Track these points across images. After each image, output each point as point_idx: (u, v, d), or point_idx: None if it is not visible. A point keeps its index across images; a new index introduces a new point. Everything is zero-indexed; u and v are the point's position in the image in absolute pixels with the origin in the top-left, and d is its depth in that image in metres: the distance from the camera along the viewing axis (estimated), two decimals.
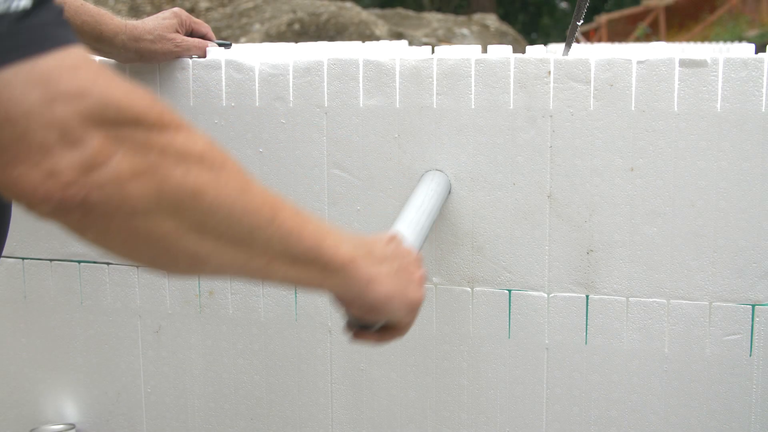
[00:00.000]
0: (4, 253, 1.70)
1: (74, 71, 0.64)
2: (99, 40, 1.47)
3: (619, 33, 16.10)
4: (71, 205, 0.63)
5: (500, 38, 10.51)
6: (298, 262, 0.79)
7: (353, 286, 0.86)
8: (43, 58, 0.63)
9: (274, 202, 0.77)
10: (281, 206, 0.77)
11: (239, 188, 0.73)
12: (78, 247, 1.63)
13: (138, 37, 1.49)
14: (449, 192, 1.43)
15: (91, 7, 1.46)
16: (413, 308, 0.95)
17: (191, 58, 1.54)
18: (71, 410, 1.68)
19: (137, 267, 1.61)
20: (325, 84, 1.47)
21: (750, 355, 1.35)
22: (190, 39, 1.54)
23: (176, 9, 1.55)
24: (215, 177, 0.70)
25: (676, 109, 1.33)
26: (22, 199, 0.63)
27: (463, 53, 1.42)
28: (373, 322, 0.95)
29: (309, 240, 0.80)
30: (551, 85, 1.37)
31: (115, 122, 0.65)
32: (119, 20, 1.48)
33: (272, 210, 0.76)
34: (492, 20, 11.57)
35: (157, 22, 1.51)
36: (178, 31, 1.53)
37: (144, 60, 1.53)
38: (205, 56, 1.54)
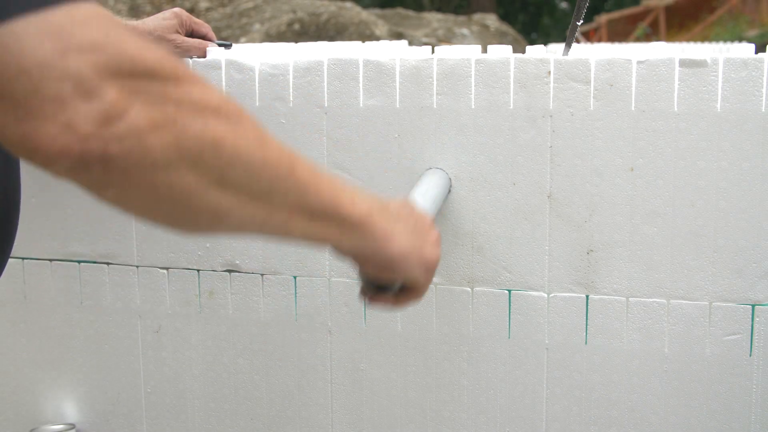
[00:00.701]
0: None
1: (87, 24, 0.63)
2: None
3: (619, 33, 16.10)
4: (91, 159, 0.62)
5: (500, 38, 10.51)
6: (316, 217, 0.78)
7: (370, 241, 0.84)
8: (55, 11, 0.62)
9: (291, 156, 0.76)
10: (298, 160, 0.77)
11: (257, 140, 0.72)
12: (78, 247, 1.64)
13: None
14: (449, 191, 1.43)
15: None
16: (430, 267, 0.94)
17: (191, 58, 1.54)
18: (71, 410, 1.68)
19: (137, 267, 1.61)
20: (325, 84, 1.47)
21: (750, 355, 1.35)
22: (190, 39, 1.54)
23: (176, 9, 1.55)
24: (233, 128, 0.70)
25: (676, 109, 1.33)
26: (37, 155, 0.62)
27: (463, 53, 1.42)
28: (389, 282, 0.92)
29: (326, 194, 0.79)
30: (551, 85, 1.37)
31: (130, 74, 0.64)
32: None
33: (290, 163, 0.75)
34: (492, 20, 11.58)
35: (157, 23, 1.51)
36: (178, 32, 1.53)
37: None
38: (205, 56, 1.54)
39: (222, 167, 0.69)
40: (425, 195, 1.20)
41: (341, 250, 0.87)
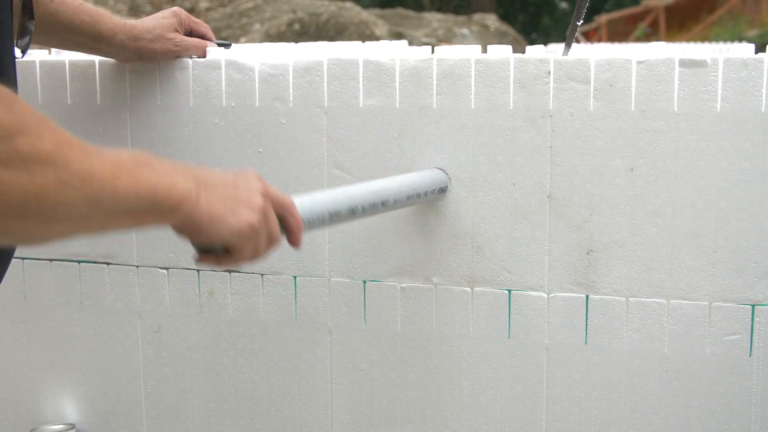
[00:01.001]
0: None
1: None
2: (98, 40, 1.47)
3: (619, 33, 16.10)
4: None
5: (500, 38, 10.51)
6: (136, 215, 0.84)
7: (182, 212, 0.89)
8: None
9: (114, 171, 0.80)
10: (120, 171, 0.80)
11: (83, 177, 0.76)
12: (78, 247, 1.64)
13: (137, 36, 1.49)
14: (443, 190, 1.42)
15: (90, 7, 1.46)
16: (242, 233, 0.96)
17: (191, 57, 1.54)
18: (71, 410, 1.68)
19: (137, 267, 1.61)
20: (325, 84, 1.47)
21: (750, 356, 1.35)
22: (189, 39, 1.54)
23: (176, 8, 1.55)
24: (59, 175, 0.74)
25: (675, 109, 1.33)
26: None
27: (463, 53, 1.42)
28: (208, 245, 0.98)
29: (146, 192, 0.83)
30: (551, 85, 1.37)
31: None
32: (118, 19, 1.48)
33: (111, 180, 0.79)
34: (492, 20, 11.58)
35: (156, 22, 1.51)
36: (177, 31, 1.53)
37: (143, 59, 1.53)
38: (204, 56, 1.54)
39: (45, 212, 0.74)
40: (330, 194, 1.22)
41: (160, 225, 0.92)
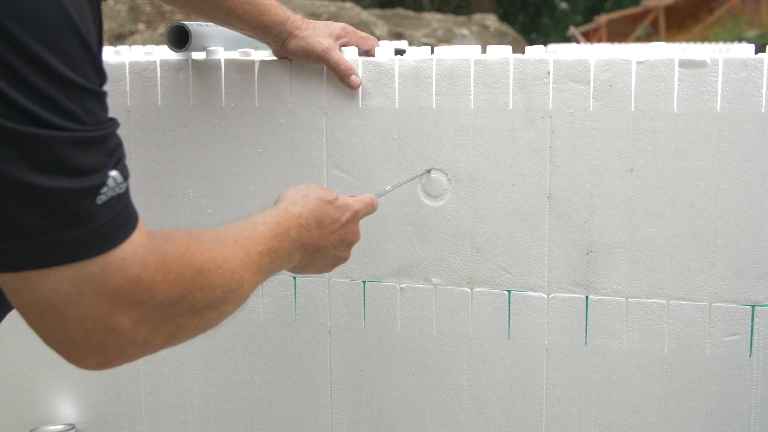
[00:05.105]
0: None
1: (119, 273, 0.80)
2: (258, 29, 1.42)
3: (618, 33, 16.10)
4: (107, 367, 0.86)
5: (500, 38, 10.51)
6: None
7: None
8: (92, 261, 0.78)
9: (257, 278, 1.02)
10: (260, 277, 1.03)
11: (247, 292, 1.01)
12: None
13: (290, 32, 1.43)
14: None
15: None
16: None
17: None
18: (71, 410, 1.68)
19: None
20: (324, 84, 1.47)
21: (750, 356, 1.35)
22: (335, 53, 1.46)
23: (344, 24, 1.50)
24: (236, 303, 1.00)
25: (675, 109, 1.33)
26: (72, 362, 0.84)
27: (463, 54, 1.42)
28: None
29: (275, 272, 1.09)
30: (550, 85, 1.37)
31: (140, 303, 0.82)
32: (282, 11, 1.42)
33: (257, 283, 1.03)
34: (492, 20, 11.58)
35: (319, 25, 1.47)
36: (337, 38, 1.46)
37: (289, 55, 1.47)
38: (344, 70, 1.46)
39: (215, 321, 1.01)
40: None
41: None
